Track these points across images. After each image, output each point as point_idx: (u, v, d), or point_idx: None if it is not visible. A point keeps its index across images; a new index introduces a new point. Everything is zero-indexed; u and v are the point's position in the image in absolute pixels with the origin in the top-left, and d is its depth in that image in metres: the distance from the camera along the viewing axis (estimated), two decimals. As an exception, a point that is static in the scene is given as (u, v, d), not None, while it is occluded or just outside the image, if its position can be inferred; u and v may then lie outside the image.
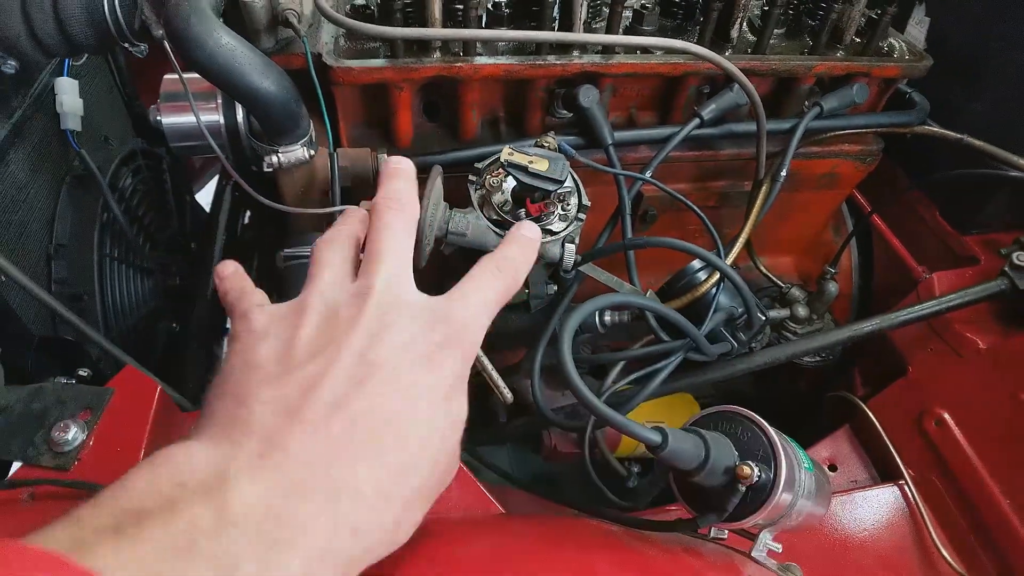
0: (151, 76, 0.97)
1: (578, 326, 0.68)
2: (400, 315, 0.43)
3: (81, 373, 1.00)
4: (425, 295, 0.46)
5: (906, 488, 1.05)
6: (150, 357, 1.27)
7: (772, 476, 0.62)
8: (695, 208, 0.91)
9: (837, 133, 1.10)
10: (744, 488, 0.60)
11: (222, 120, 0.94)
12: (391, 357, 0.40)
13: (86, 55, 1.12)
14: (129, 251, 1.22)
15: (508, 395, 0.71)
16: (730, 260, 0.93)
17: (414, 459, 0.39)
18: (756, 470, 0.61)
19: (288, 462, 0.34)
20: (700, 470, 0.59)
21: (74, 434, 0.58)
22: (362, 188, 0.92)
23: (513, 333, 0.98)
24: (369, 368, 0.39)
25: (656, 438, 0.55)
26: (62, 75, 1.07)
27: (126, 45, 0.86)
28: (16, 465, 0.59)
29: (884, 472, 1.10)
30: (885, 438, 1.07)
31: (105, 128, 1.24)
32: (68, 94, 1.07)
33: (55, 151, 1.08)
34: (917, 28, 1.24)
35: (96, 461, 0.58)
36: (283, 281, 0.97)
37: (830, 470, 1.12)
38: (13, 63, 0.87)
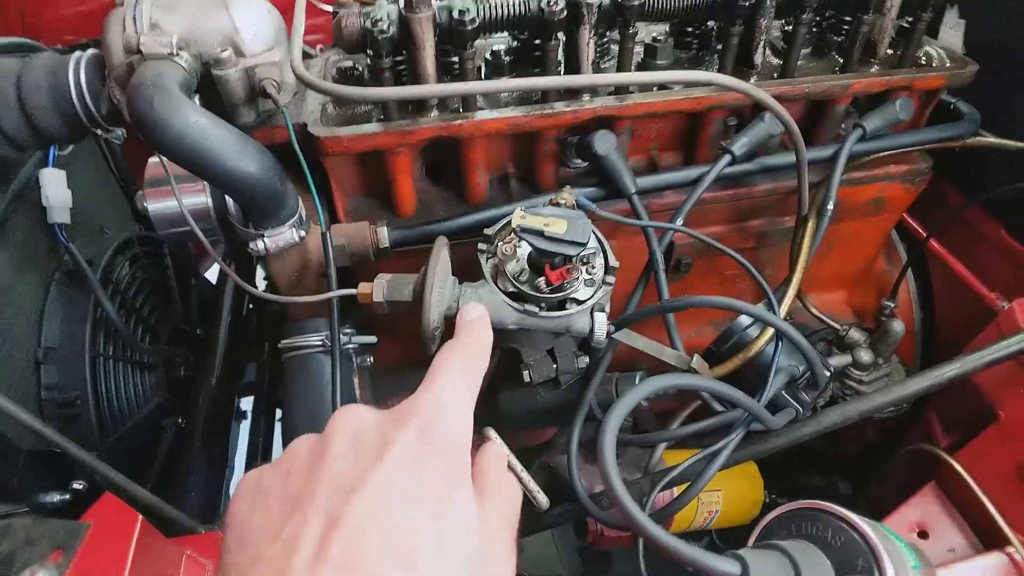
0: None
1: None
2: (364, 432, 0.39)
3: (76, 486, 0.92)
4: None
5: (1016, 556, 0.89)
6: (154, 458, 1.18)
7: (882, 593, 0.49)
8: (736, 255, 0.80)
9: (882, 155, 1.00)
10: (850, 615, 0.48)
11: (210, 202, 0.87)
12: (358, 484, 0.35)
13: (71, 144, 1.07)
14: (126, 347, 1.14)
15: (543, 500, 0.61)
16: (783, 312, 0.82)
17: None
18: (862, 590, 0.48)
19: None
20: (793, 600, 0.47)
21: (42, 582, 0.49)
22: (363, 267, 0.83)
23: (543, 411, 0.87)
24: (342, 502, 0.35)
25: (733, 570, 0.43)
26: (47, 166, 1.02)
27: (99, 131, 0.80)
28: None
29: (985, 536, 0.95)
30: (983, 497, 0.92)
31: (100, 217, 1.18)
32: (54, 186, 1.01)
33: (42, 247, 1.01)
34: (952, 33, 1.14)
35: (67, 612, 0.48)
36: (284, 374, 0.88)
37: (920, 537, 0.97)
38: (-16, 161, 0.82)
